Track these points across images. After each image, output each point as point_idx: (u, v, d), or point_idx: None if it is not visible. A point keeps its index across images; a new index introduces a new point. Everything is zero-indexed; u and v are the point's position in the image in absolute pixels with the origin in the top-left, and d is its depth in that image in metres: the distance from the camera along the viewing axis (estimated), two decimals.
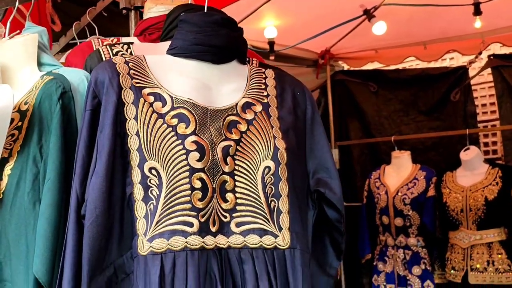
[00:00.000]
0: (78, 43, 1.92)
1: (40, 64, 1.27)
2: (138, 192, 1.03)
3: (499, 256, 2.90)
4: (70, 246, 1.01)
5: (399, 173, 3.36)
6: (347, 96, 4.01)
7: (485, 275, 2.91)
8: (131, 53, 1.26)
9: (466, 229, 2.99)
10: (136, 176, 1.04)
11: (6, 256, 1.11)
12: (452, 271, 3.06)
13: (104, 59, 1.22)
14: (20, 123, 1.15)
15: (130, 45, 1.26)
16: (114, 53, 1.24)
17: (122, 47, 1.25)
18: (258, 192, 1.08)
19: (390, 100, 3.83)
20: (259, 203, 1.08)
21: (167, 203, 1.02)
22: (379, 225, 3.36)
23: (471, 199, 2.98)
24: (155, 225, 1.01)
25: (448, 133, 3.43)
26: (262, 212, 1.08)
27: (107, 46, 1.24)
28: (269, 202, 1.08)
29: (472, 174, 3.08)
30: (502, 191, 2.92)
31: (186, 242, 1.01)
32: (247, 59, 1.27)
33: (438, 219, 3.17)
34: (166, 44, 1.21)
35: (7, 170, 1.14)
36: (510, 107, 3.26)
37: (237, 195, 1.07)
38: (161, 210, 1.02)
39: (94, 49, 1.31)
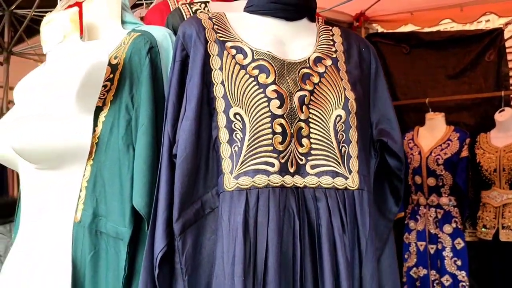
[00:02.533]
0: (144, 4, 2.01)
1: (123, 22, 1.37)
2: (223, 135, 1.15)
3: None
4: (163, 181, 1.14)
5: (432, 134, 3.42)
6: (379, 58, 4.04)
7: None
8: (208, 11, 1.36)
9: (499, 189, 3.06)
10: (221, 120, 1.15)
11: (101, 194, 1.24)
12: (483, 229, 3.14)
13: (184, 17, 1.33)
14: (111, 75, 1.27)
15: (207, 4, 1.36)
16: (193, 11, 1.34)
17: (200, 5, 1.35)
18: (330, 138, 1.19)
19: (420, 63, 3.85)
20: (332, 148, 1.19)
21: (251, 145, 1.13)
22: (412, 185, 3.44)
23: (505, 159, 3.04)
24: (240, 165, 1.13)
25: (482, 95, 3.45)
26: (334, 156, 1.19)
27: (187, 5, 1.34)
28: (340, 147, 1.19)
29: (506, 135, 3.12)
30: None
31: (268, 180, 1.13)
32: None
33: (471, 179, 3.24)
34: (239, 3, 1.31)
35: (102, 117, 1.26)
36: None
37: (312, 140, 1.18)
38: (246, 151, 1.13)
39: (170, 8, 1.41)
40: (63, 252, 1.23)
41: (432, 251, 3.35)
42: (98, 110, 1.26)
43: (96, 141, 1.25)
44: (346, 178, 1.19)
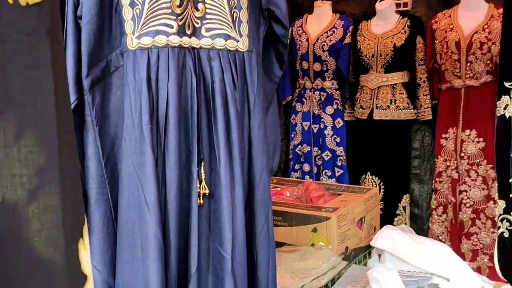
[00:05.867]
0: None
1: None
2: None
3: (401, 95, 3.28)
4: (70, 40, 1.21)
5: (320, 22, 3.61)
6: None
7: (387, 112, 3.31)
8: None
9: (375, 73, 3.33)
10: None
11: None
12: (360, 109, 3.45)
13: None
14: None
15: None
16: None
17: None
18: (223, 4, 1.32)
19: None
20: (224, 13, 1.32)
21: (151, 8, 1.23)
22: (299, 70, 3.64)
23: (382, 45, 3.29)
24: (141, 26, 1.23)
25: None
26: (226, 21, 1.32)
27: None
28: (232, 12, 1.33)
29: (385, 23, 3.35)
30: (409, 38, 3.24)
31: (168, 40, 1.25)
32: None
33: (352, 64, 3.51)
34: None
35: None
36: None
37: (207, 5, 1.30)
38: (146, 13, 1.23)
39: None
40: None
41: (315, 130, 3.67)
42: None
43: None
44: (237, 41, 1.34)
